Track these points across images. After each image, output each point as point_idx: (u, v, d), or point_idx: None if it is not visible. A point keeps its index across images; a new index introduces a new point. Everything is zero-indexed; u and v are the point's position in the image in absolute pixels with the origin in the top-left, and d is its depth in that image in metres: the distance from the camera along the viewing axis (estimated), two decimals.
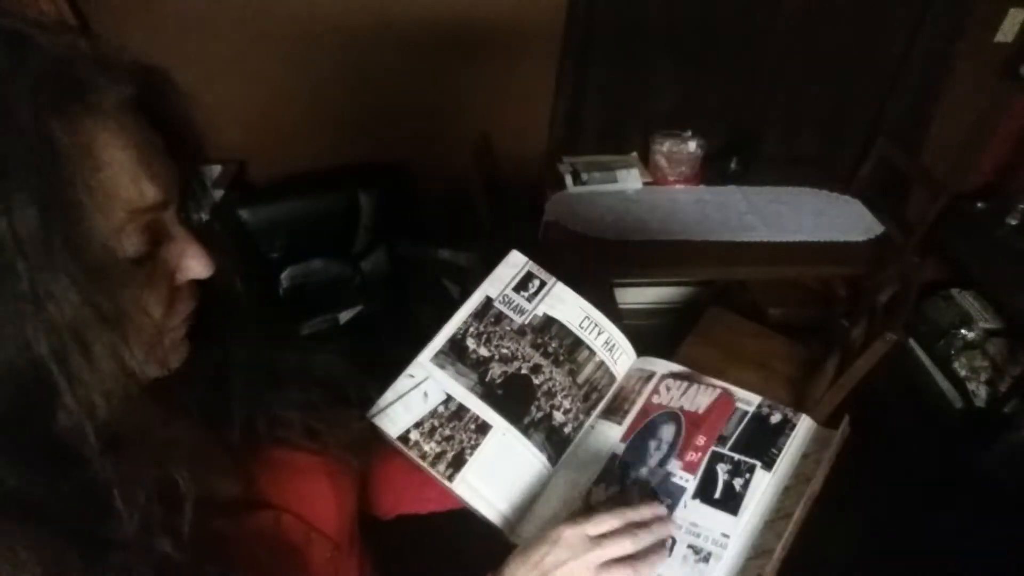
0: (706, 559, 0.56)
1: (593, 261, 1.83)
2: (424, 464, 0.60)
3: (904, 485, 2.00)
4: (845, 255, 1.90)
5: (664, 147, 2.02)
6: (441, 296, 2.02)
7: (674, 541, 0.57)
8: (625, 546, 0.52)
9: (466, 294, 0.73)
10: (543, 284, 0.72)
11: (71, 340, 0.35)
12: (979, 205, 2.20)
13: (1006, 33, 2.02)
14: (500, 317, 0.69)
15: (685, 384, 0.68)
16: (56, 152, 0.33)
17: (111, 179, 0.36)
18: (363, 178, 1.94)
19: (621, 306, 2.02)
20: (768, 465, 0.60)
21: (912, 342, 2.42)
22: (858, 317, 1.64)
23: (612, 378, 0.71)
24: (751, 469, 0.60)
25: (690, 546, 0.57)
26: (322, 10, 1.77)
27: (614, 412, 0.70)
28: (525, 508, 0.62)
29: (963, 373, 2.23)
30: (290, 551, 0.50)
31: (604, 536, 0.52)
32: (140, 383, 0.40)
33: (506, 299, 0.70)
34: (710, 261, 1.86)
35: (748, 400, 0.66)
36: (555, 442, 0.66)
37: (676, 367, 0.71)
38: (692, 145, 2.01)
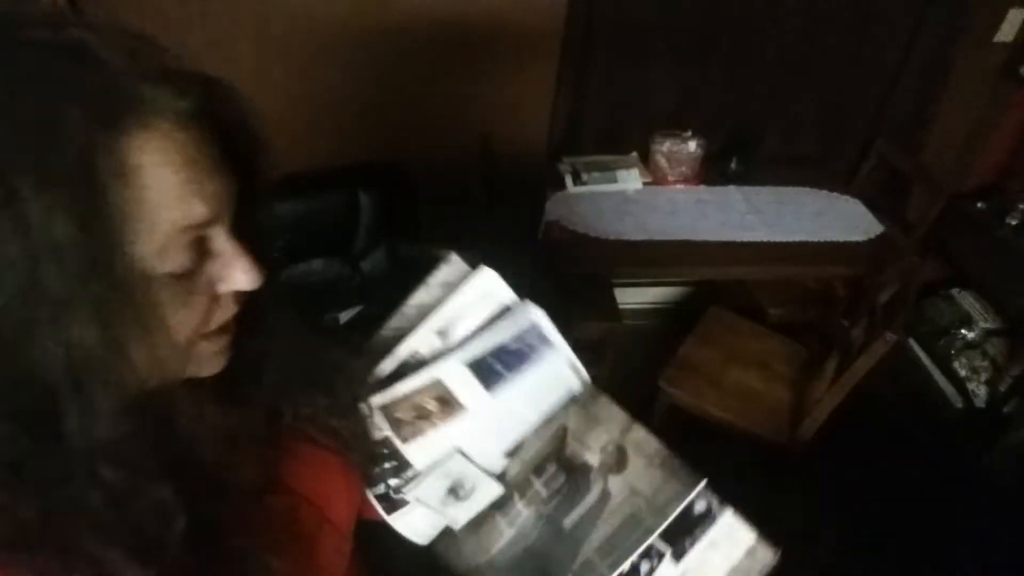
0: None
1: (593, 261, 1.83)
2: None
3: (904, 485, 2.00)
4: (845, 255, 1.90)
5: (664, 147, 2.02)
6: None
7: None
8: None
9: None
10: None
11: (85, 361, 0.35)
12: (979, 205, 2.19)
13: (1006, 33, 2.02)
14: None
15: None
16: (103, 170, 0.33)
17: (157, 198, 0.36)
18: (363, 178, 1.94)
19: (621, 306, 2.01)
20: (677, 555, 0.54)
21: (912, 342, 2.42)
22: (858, 317, 1.64)
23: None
24: (660, 556, 0.54)
25: None
26: (322, 11, 1.77)
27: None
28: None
29: (963, 373, 2.23)
30: (302, 537, 0.51)
31: None
32: (161, 390, 0.41)
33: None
34: (710, 261, 1.86)
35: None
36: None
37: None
38: (692, 145, 2.01)
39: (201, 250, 0.40)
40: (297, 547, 0.50)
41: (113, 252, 0.34)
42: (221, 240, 0.41)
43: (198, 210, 0.38)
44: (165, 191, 0.36)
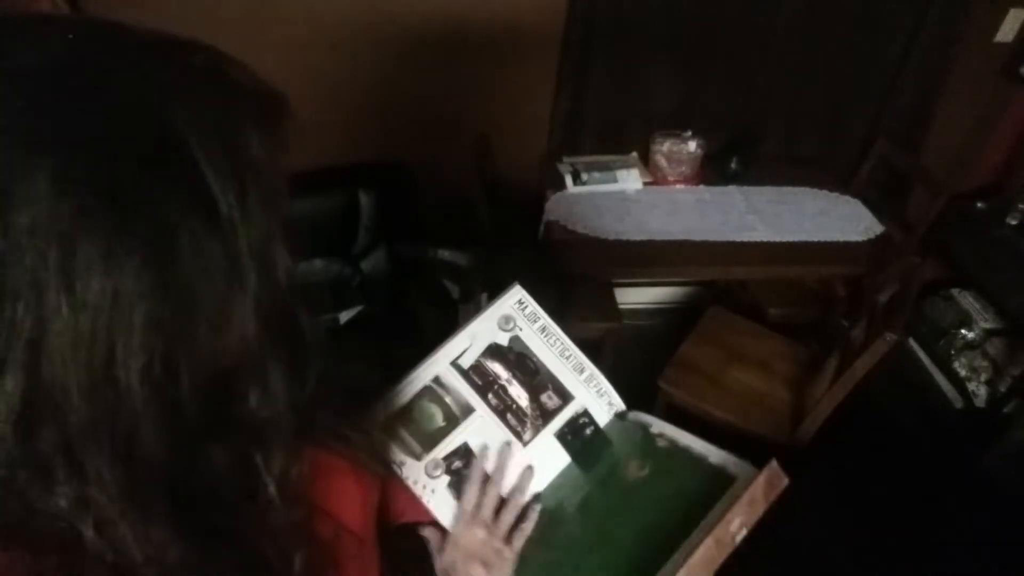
0: None
1: (593, 261, 1.83)
2: None
3: (904, 485, 2.01)
4: (845, 255, 1.90)
5: (664, 147, 2.02)
6: (441, 296, 2.02)
7: None
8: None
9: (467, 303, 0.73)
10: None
11: (279, 323, 0.40)
12: (979, 205, 2.19)
13: (1006, 33, 2.02)
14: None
15: None
16: (270, 167, 0.40)
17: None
18: (363, 178, 1.94)
19: (621, 306, 2.01)
20: None
21: (912, 342, 2.42)
22: (858, 317, 1.64)
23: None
24: None
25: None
26: (321, 10, 1.77)
27: None
28: None
29: (963, 373, 2.23)
30: (322, 547, 0.51)
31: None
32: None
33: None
34: (710, 261, 1.86)
35: None
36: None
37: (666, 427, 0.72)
38: (692, 145, 2.01)
39: None
40: (317, 559, 0.50)
41: (280, 232, 0.40)
42: None
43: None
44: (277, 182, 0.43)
